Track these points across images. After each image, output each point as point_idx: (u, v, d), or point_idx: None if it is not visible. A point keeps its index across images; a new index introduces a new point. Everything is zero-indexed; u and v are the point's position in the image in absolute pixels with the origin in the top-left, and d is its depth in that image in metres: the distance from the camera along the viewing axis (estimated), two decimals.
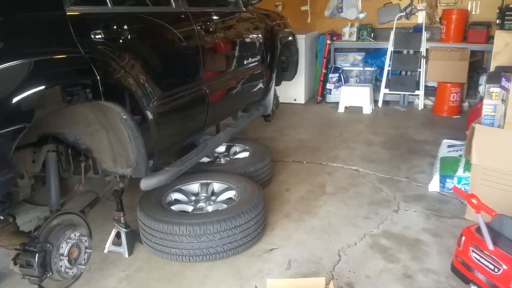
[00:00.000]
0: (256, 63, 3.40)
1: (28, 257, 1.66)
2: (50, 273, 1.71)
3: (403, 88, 5.30)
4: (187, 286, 2.07)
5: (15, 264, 1.71)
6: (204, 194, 2.61)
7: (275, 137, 4.28)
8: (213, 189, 2.65)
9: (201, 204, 2.54)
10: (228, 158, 3.28)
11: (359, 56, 5.75)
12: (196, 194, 2.62)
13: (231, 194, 2.57)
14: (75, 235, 1.80)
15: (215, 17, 2.78)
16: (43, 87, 1.49)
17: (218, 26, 2.76)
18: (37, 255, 1.65)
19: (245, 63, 3.21)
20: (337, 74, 5.63)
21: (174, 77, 2.35)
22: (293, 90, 5.38)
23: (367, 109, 5.15)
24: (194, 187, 2.65)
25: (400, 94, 5.37)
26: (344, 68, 5.72)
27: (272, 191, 3.03)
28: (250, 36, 3.32)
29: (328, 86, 5.61)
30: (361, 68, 5.72)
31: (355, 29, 5.64)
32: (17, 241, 1.74)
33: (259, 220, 2.37)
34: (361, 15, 5.49)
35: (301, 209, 2.80)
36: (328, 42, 5.55)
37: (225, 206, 2.45)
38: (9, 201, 1.82)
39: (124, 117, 1.89)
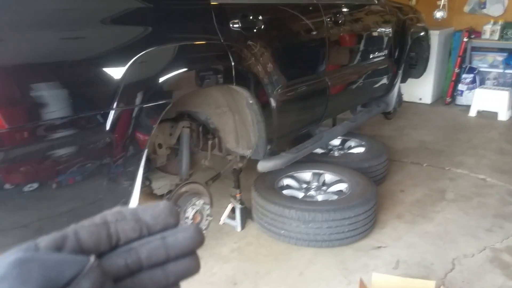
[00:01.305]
0: (383, 57, 3.31)
1: None
2: None
3: None
4: (292, 266, 2.16)
5: None
6: (315, 183, 2.66)
7: (393, 136, 4.12)
8: (324, 180, 2.69)
9: (312, 192, 2.60)
10: (342, 152, 3.27)
11: (499, 57, 5.16)
12: (308, 183, 2.69)
13: (342, 186, 2.58)
14: (199, 202, 2.02)
15: (345, 9, 2.77)
16: (185, 69, 1.66)
17: (347, 19, 2.76)
18: None
19: (370, 57, 3.15)
20: (471, 75, 5.15)
21: (299, 67, 2.43)
22: (419, 89, 5.08)
23: (504, 115, 4.64)
24: (306, 175, 2.72)
25: None
26: (481, 69, 5.20)
27: (385, 189, 2.95)
28: (378, 30, 3.25)
29: (460, 87, 5.16)
30: (501, 70, 5.13)
31: (498, 27, 5.07)
32: (151, 202, 2.02)
33: (369, 216, 2.34)
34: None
35: (416, 212, 2.68)
36: (465, 39, 5.10)
37: (335, 197, 2.48)
38: (148, 166, 2.11)
39: (251, 101, 2.03)
